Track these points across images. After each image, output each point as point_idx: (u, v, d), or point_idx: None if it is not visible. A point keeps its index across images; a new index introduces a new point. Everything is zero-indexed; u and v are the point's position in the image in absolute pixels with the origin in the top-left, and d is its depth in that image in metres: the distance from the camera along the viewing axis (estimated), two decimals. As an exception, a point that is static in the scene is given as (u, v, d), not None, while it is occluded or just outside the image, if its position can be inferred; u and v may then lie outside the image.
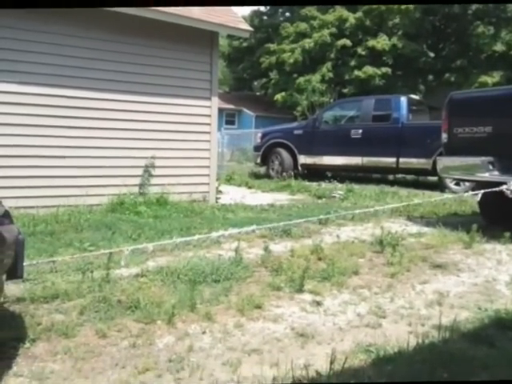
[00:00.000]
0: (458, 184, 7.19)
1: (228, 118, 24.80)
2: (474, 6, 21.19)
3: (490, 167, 4.03)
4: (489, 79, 18.79)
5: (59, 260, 2.84)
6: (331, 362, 1.70)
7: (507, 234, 3.92)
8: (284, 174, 8.92)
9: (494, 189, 3.86)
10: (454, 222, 4.70)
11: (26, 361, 1.79)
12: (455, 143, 4.39)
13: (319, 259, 3.18)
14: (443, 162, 4.53)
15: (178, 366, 1.77)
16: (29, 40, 4.61)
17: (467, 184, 6.81)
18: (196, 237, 3.39)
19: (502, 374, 1.74)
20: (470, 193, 4.69)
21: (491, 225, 4.37)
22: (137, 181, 5.39)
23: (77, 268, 2.79)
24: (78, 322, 2.10)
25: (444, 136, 4.54)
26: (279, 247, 3.58)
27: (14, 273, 1.78)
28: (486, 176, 4.06)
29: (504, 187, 3.78)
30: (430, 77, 22.94)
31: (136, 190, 5.34)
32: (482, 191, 4.05)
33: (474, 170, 4.16)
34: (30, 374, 1.70)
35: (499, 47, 19.17)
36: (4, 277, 1.75)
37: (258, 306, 2.36)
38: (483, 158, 4.04)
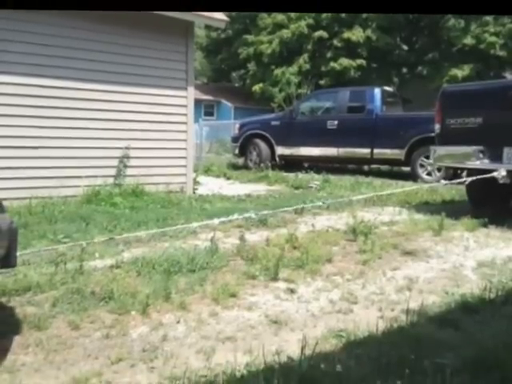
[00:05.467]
0: (429, 174, 7.41)
1: (207, 110, 24.56)
2: None
3: (481, 155, 4.25)
4: (459, 72, 19.27)
5: (32, 252, 2.79)
6: (303, 348, 1.74)
7: (475, 221, 4.09)
8: (262, 164, 8.95)
9: (486, 175, 4.08)
10: (425, 210, 4.85)
11: (-3, 354, 1.77)
12: (448, 133, 4.59)
13: (294, 248, 3.22)
14: (438, 151, 4.70)
15: (152, 356, 1.78)
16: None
17: (438, 174, 7.03)
18: (173, 227, 3.38)
19: (465, 355, 1.82)
20: (463, 179, 4.86)
21: (477, 207, 4.63)
22: (112, 171, 5.31)
23: (50, 260, 2.74)
24: (51, 314, 2.08)
25: (437, 127, 4.73)
26: (255, 237, 3.61)
27: (7, 262, 1.75)
28: (476, 164, 4.29)
29: (495, 174, 4.00)
30: (404, 69, 23.34)
31: (111, 180, 5.26)
32: (474, 178, 4.28)
33: (466, 158, 4.38)
34: (1, 367, 1.68)
35: (469, 41, 19.63)
36: None
37: (233, 295, 2.39)
38: (474, 147, 4.26)
